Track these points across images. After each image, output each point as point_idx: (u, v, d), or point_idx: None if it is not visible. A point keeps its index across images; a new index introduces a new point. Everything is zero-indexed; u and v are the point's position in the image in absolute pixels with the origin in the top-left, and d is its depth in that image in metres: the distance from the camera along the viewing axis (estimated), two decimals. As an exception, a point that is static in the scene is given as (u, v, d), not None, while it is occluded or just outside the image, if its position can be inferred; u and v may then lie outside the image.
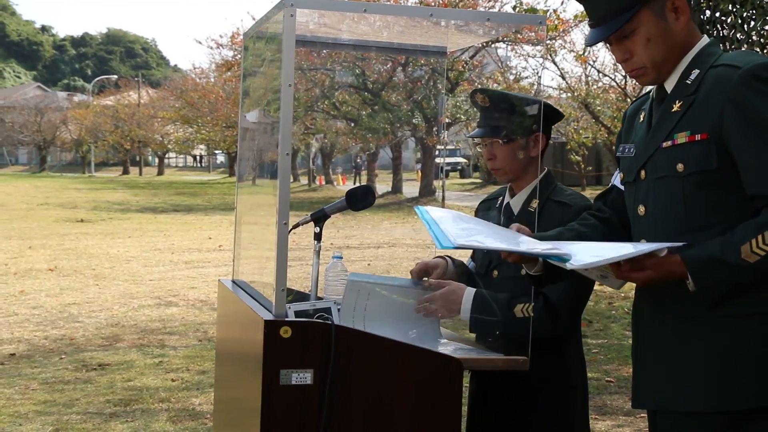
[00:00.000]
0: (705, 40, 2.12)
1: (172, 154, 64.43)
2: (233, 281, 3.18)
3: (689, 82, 2.05)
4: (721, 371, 1.94)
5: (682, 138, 2.01)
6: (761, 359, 1.91)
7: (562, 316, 2.48)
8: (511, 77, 22.95)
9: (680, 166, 2.00)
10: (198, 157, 68.71)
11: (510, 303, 2.45)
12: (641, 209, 2.09)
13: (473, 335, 2.65)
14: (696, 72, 2.04)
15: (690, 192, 1.98)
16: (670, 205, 2.02)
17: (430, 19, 2.61)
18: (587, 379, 2.74)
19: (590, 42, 2.16)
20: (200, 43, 72.00)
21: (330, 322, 2.31)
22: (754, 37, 5.05)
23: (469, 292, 2.51)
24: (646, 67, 2.08)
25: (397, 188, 29.66)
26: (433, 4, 13.14)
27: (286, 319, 2.30)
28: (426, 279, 2.64)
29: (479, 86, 20.27)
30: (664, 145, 2.04)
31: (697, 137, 1.98)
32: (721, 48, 2.19)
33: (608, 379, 6.25)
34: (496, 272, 2.61)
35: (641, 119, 2.18)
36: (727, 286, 1.91)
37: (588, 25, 2.24)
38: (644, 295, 2.13)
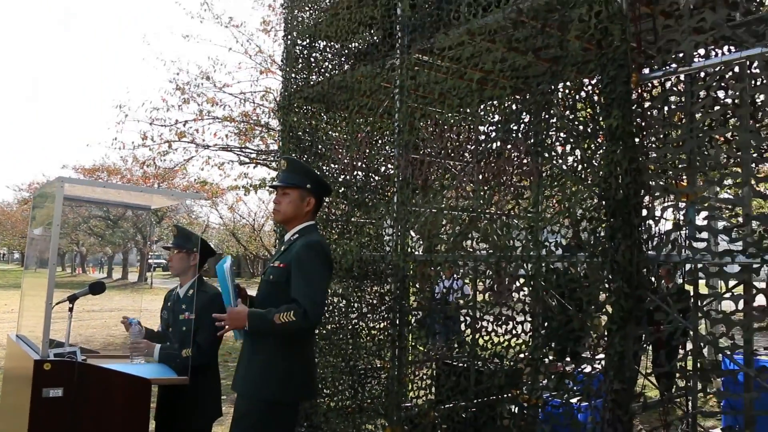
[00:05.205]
0: (311, 222, 3.56)
1: (-13, 253, 78.62)
2: (17, 335, 4.16)
3: (292, 239, 3.51)
4: (262, 378, 3.27)
5: (277, 263, 3.44)
6: (281, 376, 3.27)
7: (208, 351, 3.96)
8: (193, 216, 37.74)
9: (271, 277, 3.44)
10: (2, 255, 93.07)
11: (180, 348, 3.94)
12: (259, 292, 3.50)
13: None
14: (296, 235, 3.51)
15: (274, 290, 3.39)
16: (267, 293, 3.44)
17: (141, 192, 4.10)
18: (221, 386, 4.15)
19: (274, 184, 3.61)
20: (8, 187, 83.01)
21: (74, 360, 3.39)
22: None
23: (157, 347, 3.96)
24: (280, 213, 3.54)
25: (125, 275, 45.18)
26: (150, 173, 19.44)
27: (48, 359, 3.30)
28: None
29: (176, 222, 31.18)
30: (272, 264, 3.48)
31: (281, 265, 3.40)
32: (316, 227, 3.67)
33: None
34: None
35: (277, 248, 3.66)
36: (265, 331, 3.20)
37: (279, 174, 3.69)
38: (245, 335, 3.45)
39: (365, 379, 5.20)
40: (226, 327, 3.28)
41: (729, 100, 4.55)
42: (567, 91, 4.40)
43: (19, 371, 3.68)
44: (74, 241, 45.74)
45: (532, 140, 4.49)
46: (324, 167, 5.75)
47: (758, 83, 4.45)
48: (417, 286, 4.91)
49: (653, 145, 4.18)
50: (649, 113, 4.13)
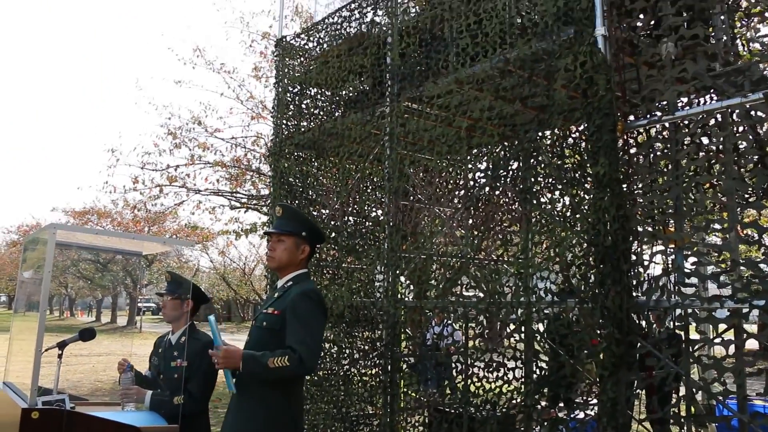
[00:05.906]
0: (305, 270, 3.58)
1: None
2: (4, 382, 4.06)
3: (286, 286, 3.48)
4: (250, 426, 3.24)
5: (270, 310, 3.41)
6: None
7: (199, 399, 3.90)
8: (183, 260, 36.66)
9: (264, 323, 3.41)
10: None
11: (172, 396, 3.87)
12: (250, 338, 3.47)
13: None
14: (290, 282, 3.49)
15: (267, 336, 3.37)
16: (259, 339, 3.41)
17: (134, 239, 4.10)
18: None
19: (269, 230, 3.57)
20: (-3, 230, 77.88)
21: (63, 408, 3.36)
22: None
23: (148, 393, 3.88)
24: (275, 259, 3.50)
25: (114, 318, 44.15)
26: (140, 216, 19.04)
27: (36, 407, 3.22)
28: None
29: (167, 266, 33.84)
30: (265, 311, 3.46)
31: (276, 312, 3.37)
32: (309, 275, 3.68)
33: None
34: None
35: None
36: (258, 374, 3.14)
37: (274, 220, 3.65)
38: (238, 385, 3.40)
39: (357, 425, 5.11)
40: (219, 364, 3.24)
41: (713, 147, 4.60)
42: (554, 138, 4.44)
43: (6, 419, 3.58)
44: (63, 285, 45.33)
45: (520, 186, 4.51)
46: (315, 213, 5.77)
47: (739, 131, 4.52)
48: (408, 331, 4.87)
49: (640, 192, 4.22)
50: (635, 160, 4.17)
